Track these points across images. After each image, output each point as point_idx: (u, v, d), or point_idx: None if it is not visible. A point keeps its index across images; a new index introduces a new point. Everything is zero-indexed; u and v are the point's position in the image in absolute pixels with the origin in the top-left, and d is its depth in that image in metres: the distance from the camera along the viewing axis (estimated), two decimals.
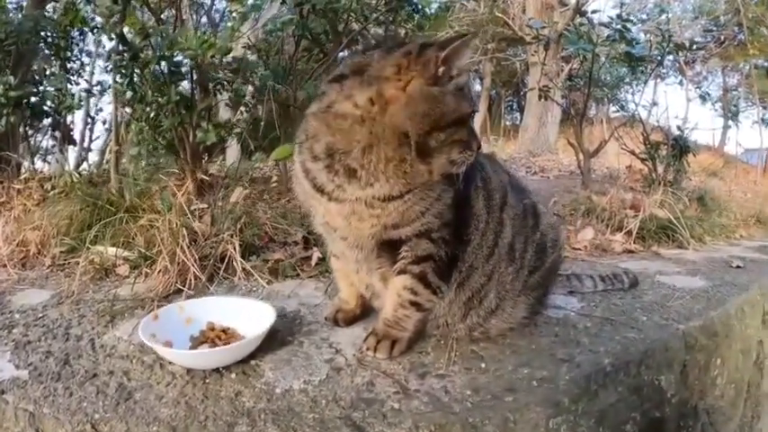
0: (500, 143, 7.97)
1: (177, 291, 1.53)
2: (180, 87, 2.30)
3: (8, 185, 2.26)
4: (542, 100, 4.22)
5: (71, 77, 3.13)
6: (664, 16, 8.86)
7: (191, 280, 1.57)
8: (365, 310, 1.34)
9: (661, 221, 2.48)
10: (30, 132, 2.95)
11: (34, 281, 1.67)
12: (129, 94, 2.25)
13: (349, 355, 1.17)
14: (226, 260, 1.68)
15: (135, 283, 1.55)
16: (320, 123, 1.03)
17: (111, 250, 1.72)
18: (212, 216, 1.86)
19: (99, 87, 3.58)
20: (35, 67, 3.01)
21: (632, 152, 3.59)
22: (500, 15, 7.41)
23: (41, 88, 2.70)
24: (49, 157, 3.62)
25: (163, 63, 2.14)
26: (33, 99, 2.55)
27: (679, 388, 1.32)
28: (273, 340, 1.21)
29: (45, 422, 0.95)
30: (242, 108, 2.81)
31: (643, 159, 3.49)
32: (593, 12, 4.81)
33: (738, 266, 2.05)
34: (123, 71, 2.18)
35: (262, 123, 2.59)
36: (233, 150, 3.83)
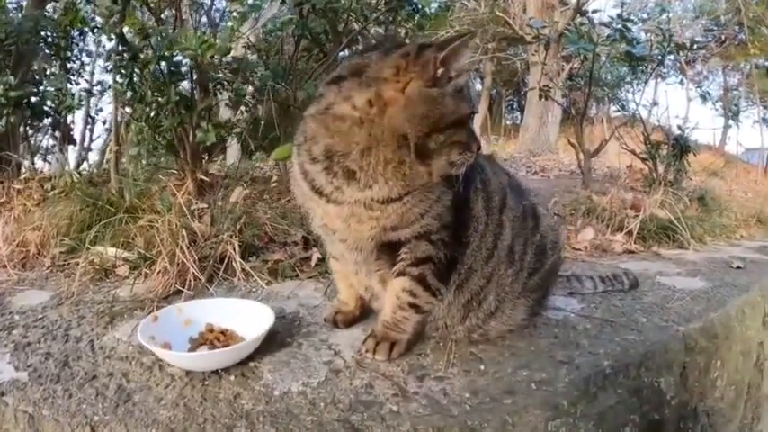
0: (500, 143, 7.97)
1: (177, 291, 1.53)
2: (180, 87, 2.30)
3: (8, 185, 2.26)
4: (543, 99, 4.22)
5: (71, 77, 3.14)
6: (664, 16, 8.84)
7: (190, 281, 1.57)
8: (364, 312, 1.34)
9: (661, 221, 2.47)
10: (30, 132, 2.96)
11: (34, 281, 1.67)
12: (129, 94, 2.26)
13: (348, 357, 1.17)
14: (225, 261, 1.68)
15: (134, 284, 1.55)
16: (318, 125, 1.03)
17: (111, 251, 1.72)
18: (212, 216, 1.86)
19: (99, 87, 3.59)
20: (35, 67, 3.01)
21: (633, 152, 3.59)
22: (501, 15, 7.39)
23: (41, 88, 2.71)
24: (50, 157, 3.62)
25: (163, 63, 2.14)
26: (33, 99, 2.55)
27: (679, 390, 1.32)
28: (272, 342, 1.21)
29: (44, 424, 0.96)
30: (242, 108, 2.81)
31: (644, 159, 3.49)
32: (594, 11, 4.83)
33: (739, 267, 2.05)
34: (123, 71, 2.18)
35: (262, 123, 2.59)
36: (233, 150, 3.83)
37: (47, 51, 3.06)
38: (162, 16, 2.65)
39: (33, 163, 2.83)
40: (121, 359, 1.15)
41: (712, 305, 1.56)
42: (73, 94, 2.82)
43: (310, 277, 1.70)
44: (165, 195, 1.92)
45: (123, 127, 2.65)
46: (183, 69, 2.25)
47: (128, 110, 2.55)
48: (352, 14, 2.58)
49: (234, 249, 1.69)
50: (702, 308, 1.53)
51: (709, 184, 3.96)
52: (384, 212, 1.04)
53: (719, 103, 14.10)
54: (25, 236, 1.87)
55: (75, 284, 1.54)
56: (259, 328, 1.15)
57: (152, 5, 2.41)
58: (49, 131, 3.25)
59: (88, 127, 6.27)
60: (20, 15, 3.03)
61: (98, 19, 2.54)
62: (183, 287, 1.54)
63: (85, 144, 6.40)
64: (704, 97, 13.01)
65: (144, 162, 2.60)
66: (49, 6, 3.34)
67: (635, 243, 2.33)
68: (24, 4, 3.67)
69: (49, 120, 2.79)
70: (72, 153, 3.92)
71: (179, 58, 2.20)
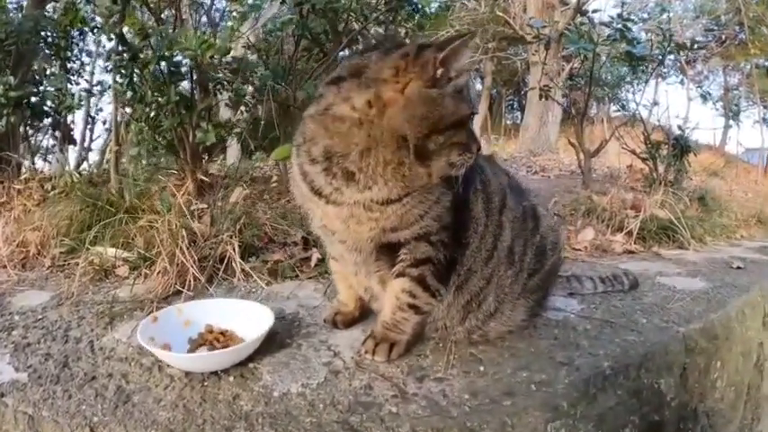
0: (501, 142, 7.97)
1: (176, 292, 1.52)
2: (180, 87, 2.30)
3: (8, 185, 2.26)
4: (543, 99, 4.23)
5: (71, 77, 3.14)
6: (665, 15, 8.84)
7: (190, 281, 1.56)
8: (364, 313, 1.34)
9: (662, 222, 2.47)
10: (30, 132, 2.96)
11: (34, 282, 1.67)
12: (129, 94, 2.26)
13: (347, 358, 1.16)
14: (225, 261, 1.68)
15: (134, 285, 1.55)
16: (318, 126, 1.03)
17: (111, 251, 1.72)
18: (212, 216, 1.86)
19: (99, 87, 3.59)
20: (35, 67, 3.01)
21: (633, 152, 3.59)
22: (501, 14, 7.39)
23: (41, 88, 2.71)
24: (50, 157, 3.62)
25: (162, 63, 2.14)
26: (33, 99, 2.55)
27: (679, 391, 1.32)
28: (272, 343, 1.21)
29: (44, 425, 0.96)
30: (242, 108, 2.81)
31: (644, 159, 3.49)
32: (594, 11, 4.83)
33: (739, 267, 2.04)
34: (123, 71, 2.18)
35: (262, 123, 2.59)
36: (233, 150, 3.83)
37: (47, 51, 3.06)
38: (162, 16, 2.65)
39: (33, 163, 2.84)
40: (121, 360, 1.15)
41: (712, 306, 1.56)
42: (73, 94, 2.82)
43: (310, 278, 1.70)
44: (165, 195, 1.92)
45: (123, 127, 2.65)
46: (183, 69, 2.25)
47: (128, 110, 2.55)
48: (352, 14, 2.57)
49: (234, 250, 1.69)
50: (703, 308, 1.53)
51: (710, 184, 3.95)
52: (383, 214, 1.04)
53: (720, 102, 14.09)
54: (25, 236, 1.87)
55: (74, 285, 1.54)
56: (258, 329, 1.15)
57: (152, 5, 2.41)
58: (49, 131, 3.25)
59: (88, 127, 6.28)
60: (20, 15, 3.03)
61: (98, 19, 2.54)
62: (183, 288, 1.53)
63: (85, 144, 6.41)
64: (704, 97, 13.01)
65: (144, 162, 2.60)
66: (49, 6, 3.34)
67: (635, 243, 2.33)
68: (24, 4, 3.67)
69: (49, 120, 2.80)
70: (72, 153, 3.93)
71: (179, 58, 2.20)
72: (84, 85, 3.48)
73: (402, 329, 1.16)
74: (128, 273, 1.66)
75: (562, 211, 2.75)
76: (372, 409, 0.98)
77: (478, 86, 11.01)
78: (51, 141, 3.51)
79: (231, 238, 1.72)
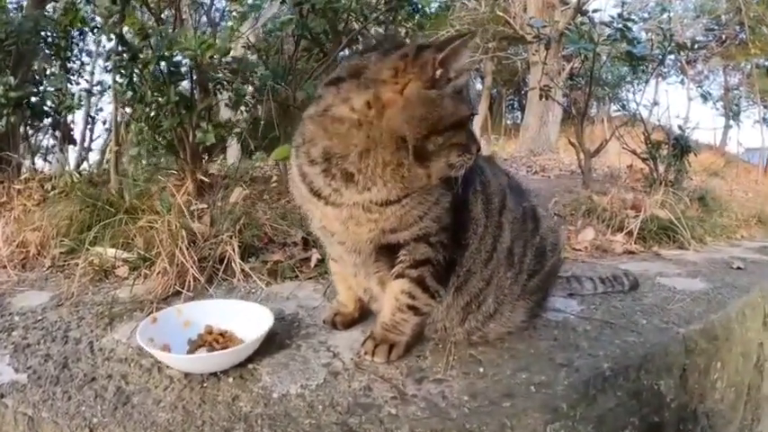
0: (501, 142, 7.96)
1: (176, 292, 1.52)
2: (180, 87, 2.30)
3: (8, 185, 2.27)
4: (543, 99, 4.23)
5: (71, 77, 3.14)
6: (665, 15, 8.84)
7: (190, 281, 1.56)
8: (363, 314, 1.33)
9: (662, 222, 2.47)
10: (30, 132, 2.96)
11: (34, 282, 1.67)
12: (129, 94, 2.26)
13: (347, 359, 1.16)
14: (225, 261, 1.68)
15: (134, 285, 1.55)
16: (317, 127, 1.03)
17: (111, 251, 1.72)
18: (212, 217, 1.86)
19: (99, 87, 3.59)
20: (35, 67, 3.01)
21: (633, 152, 3.59)
22: (501, 14, 7.39)
23: (41, 88, 2.71)
24: (50, 157, 3.63)
25: (162, 63, 2.14)
26: (33, 99, 2.56)
27: (678, 392, 1.32)
28: (271, 343, 1.21)
29: (44, 426, 0.96)
30: (242, 108, 2.81)
31: (644, 159, 3.49)
32: (594, 11, 4.80)
33: (739, 268, 2.04)
34: (123, 71, 2.18)
35: (262, 123, 2.59)
36: (233, 150, 3.83)
37: (47, 51, 3.06)
38: (162, 16, 2.65)
39: (33, 163, 2.84)
40: (120, 361, 1.15)
41: (712, 306, 1.55)
42: (73, 94, 2.83)
43: (310, 278, 1.70)
44: (165, 196, 1.92)
45: (123, 127, 2.65)
46: (183, 69, 2.25)
47: (128, 110, 2.55)
48: (352, 14, 2.57)
49: (233, 250, 1.69)
50: (703, 309, 1.52)
51: (710, 184, 3.96)
52: (383, 215, 1.03)
53: (720, 102, 14.09)
54: (25, 236, 1.87)
55: (74, 285, 1.54)
56: (258, 330, 1.15)
57: (152, 5, 2.42)
58: (49, 131, 3.26)
59: (88, 127, 6.27)
60: (20, 15, 3.03)
61: (98, 19, 2.54)
62: (183, 288, 1.53)
63: (85, 144, 6.40)
64: (705, 97, 12.99)
65: (144, 162, 2.60)
66: (49, 6, 3.35)
67: (635, 243, 2.33)
68: (24, 4, 3.67)
69: (49, 120, 2.80)
70: (72, 153, 3.93)
71: (179, 58, 2.20)
72: (84, 85, 3.49)
73: (401, 330, 1.16)
74: (127, 273, 1.66)
75: (562, 211, 2.75)
76: (371, 411, 0.98)
77: (478, 86, 11.01)
78: (51, 141, 3.52)
79: (231, 238, 1.72)
